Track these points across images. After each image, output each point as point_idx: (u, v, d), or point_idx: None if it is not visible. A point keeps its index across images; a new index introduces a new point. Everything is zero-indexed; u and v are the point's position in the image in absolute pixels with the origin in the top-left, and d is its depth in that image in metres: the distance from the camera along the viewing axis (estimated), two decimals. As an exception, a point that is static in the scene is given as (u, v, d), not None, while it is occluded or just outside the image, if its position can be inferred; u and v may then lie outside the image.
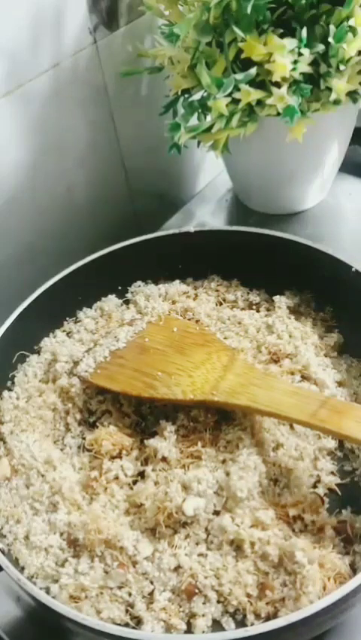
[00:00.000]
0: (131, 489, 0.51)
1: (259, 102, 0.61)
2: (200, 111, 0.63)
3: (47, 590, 0.46)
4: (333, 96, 0.60)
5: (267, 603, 0.44)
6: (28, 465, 0.52)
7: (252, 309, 0.65)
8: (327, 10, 0.58)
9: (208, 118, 0.63)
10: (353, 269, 0.58)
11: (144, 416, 0.57)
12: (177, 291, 0.66)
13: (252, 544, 0.46)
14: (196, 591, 0.45)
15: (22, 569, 0.47)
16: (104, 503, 0.50)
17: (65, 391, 0.57)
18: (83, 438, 0.55)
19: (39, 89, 0.62)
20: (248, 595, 0.45)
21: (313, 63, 0.59)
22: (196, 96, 0.65)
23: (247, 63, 0.59)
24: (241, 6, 0.55)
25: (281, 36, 0.57)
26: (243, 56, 0.58)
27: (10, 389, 0.59)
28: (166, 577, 0.46)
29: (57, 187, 0.71)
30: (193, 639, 0.44)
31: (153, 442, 0.52)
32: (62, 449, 0.55)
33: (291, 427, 0.54)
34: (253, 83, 0.59)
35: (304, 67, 0.57)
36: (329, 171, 0.76)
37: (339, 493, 0.51)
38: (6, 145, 0.62)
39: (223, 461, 0.51)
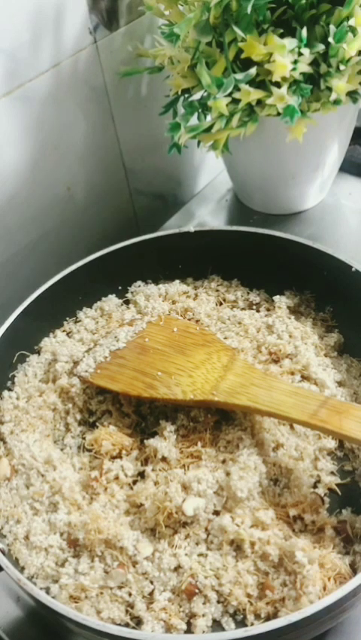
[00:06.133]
0: (132, 489, 0.51)
1: (259, 102, 0.61)
2: (200, 111, 0.63)
3: (47, 590, 0.46)
4: (333, 96, 0.60)
5: (267, 603, 0.44)
6: (29, 465, 0.52)
7: (252, 309, 0.65)
8: (327, 10, 0.58)
9: (208, 118, 0.63)
10: (353, 269, 0.58)
11: (144, 416, 0.57)
12: (177, 291, 0.66)
13: (252, 544, 0.46)
14: (196, 591, 0.45)
15: (22, 569, 0.47)
16: (104, 503, 0.50)
17: (65, 391, 0.57)
18: (83, 438, 0.56)
19: (39, 89, 0.62)
20: (248, 596, 0.45)
21: (314, 63, 0.59)
22: (196, 96, 0.65)
23: (247, 63, 0.59)
24: (241, 6, 0.55)
25: (281, 36, 0.57)
26: (243, 56, 0.58)
27: (10, 389, 0.59)
28: (166, 577, 0.46)
29: (57, 187, 0.71)
30: (193, 639, 0.44)
31: (153, 442, 0.52)
32: (62, 449, 0.55)
33: (291, 427, 0.54)
34: (253, 83, 0.59)
35: (304, 67, 0.57)
36: (329, 171, 0.76)
37: (339, 493, 0.51)
38: (6, 145, 0.62)
39: (223, 461, 0.51)
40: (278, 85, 0.58)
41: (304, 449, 0.52)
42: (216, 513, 0.48)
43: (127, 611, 0.45)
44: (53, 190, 0.70)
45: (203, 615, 0.44)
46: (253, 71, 0.58)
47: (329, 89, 0.60)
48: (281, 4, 0.58)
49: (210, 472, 0.49)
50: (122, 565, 0.46)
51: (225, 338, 0.61)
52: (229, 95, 0.59)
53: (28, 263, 0.71)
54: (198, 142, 0.66)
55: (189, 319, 0.63)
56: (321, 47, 0.58)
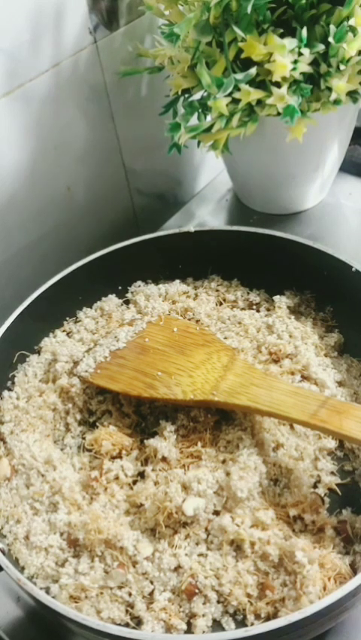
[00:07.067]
0: (132, 489, 0.51)
1: (259, 102, 0.61)
2: (200, 111, 0.63)
3: (47, 590, 0.46)
4: (333, 96, 0.60)
5: (267, 603, 0.44)
6: (29, 465, 0.52)
7: (252, 309, 0.65)
8: (327, 10, 0.58)
9: (208, 118, 0.63)
10: (353, 269, 0.58)
11: (144, 415, 0.57)
12: (177, 291, 0.66)
13: (252, 544, 0.46)
14: (196, 591, 0.45)
15: (22, 569, 0.47)
16: (104, 503, 0.50)
17: (65, 391, 0.57)
18: (83, 438, 0.56)
19: (39, 89, 0.62)
20: (248, 596, 0.45)
21: (314, 63, 0.59)
22: (196, 96, 0.65)
23: (247, 63, 0.59)
24: (241, 6, 0.55)
25: (281, 36, 0.57)
26: (243, 55, 0.58)
27: (10, 389, 0.59)
28: (166, 577, 0.46)
29: (57, 187, 0.71)
30: (193, 639, 0.44)
31: (153, 442, 0.52)
32: (62, 449, 0.55)
33: (291, 427, 0.54)
34: (253, 83, 0.59)
35: (304, 67, 0.57)
36: (329, 171, 0.76)
37: (339, 493, 0.51)
38: (6, 145, 0.62)
39: (223, 461, 0.51)
40: (278, 85, 0.58)
41: (304, 449, 0.52)
42: (216, 513, 0.48)
43: (127, 611, 0.45)
44: (53, 190, 0.70)
45: (203, 615, 0.44)
46: (253, 71, 0.58)
47: (329, 89, 0.60)
48: (281, 4, 0.58)
49: (210, 472, 0.49)
50: (122, 565, 0.46)
51: (225, 338, 0.61)
52: (229, 95, 0.59)
53: (28, 263, 0.71)
54: (198, 142, 0.66)
55: (189, 319, 0.63)
56: (321, 47, 0.58)
